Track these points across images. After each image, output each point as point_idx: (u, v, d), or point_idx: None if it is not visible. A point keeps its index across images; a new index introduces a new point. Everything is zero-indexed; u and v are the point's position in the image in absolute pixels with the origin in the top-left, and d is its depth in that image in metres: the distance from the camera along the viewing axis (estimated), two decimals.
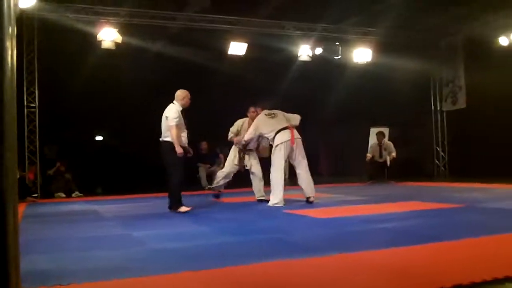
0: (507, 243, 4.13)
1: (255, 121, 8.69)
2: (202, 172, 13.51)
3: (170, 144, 7.32)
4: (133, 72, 13.47)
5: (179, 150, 7.28)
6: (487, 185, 10.57)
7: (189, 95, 7.64)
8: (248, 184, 9.18)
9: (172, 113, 7.37)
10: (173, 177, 7.39)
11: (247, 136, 8.62)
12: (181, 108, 7.52)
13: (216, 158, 13.83)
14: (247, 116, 9.17)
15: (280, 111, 8.73)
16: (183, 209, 7.35)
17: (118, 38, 11.53)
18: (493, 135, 12.54)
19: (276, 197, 8.06)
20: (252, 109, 9.12)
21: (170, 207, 7.54)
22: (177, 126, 7.33)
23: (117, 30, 11.54)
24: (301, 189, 8.32)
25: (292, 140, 8.19)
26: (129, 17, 11.77)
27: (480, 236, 4.37)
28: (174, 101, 7.58)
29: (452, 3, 11.86)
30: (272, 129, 8.38)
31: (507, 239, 4.28)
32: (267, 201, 8.32)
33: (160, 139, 7.52)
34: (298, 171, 8.35)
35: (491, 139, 12.64)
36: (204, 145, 13.87)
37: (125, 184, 13.00)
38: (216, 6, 11.78)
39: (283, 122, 8.41)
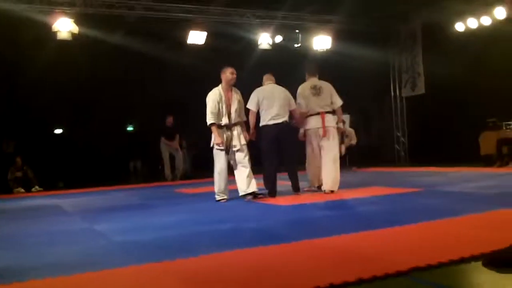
0: (462, 225, 4.22)
1: (299, 92, 7.64)
2: (165, 151, 13.31)
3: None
4: (91, 63, 13.23)
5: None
6: (445, 169, 10.80)
7: None
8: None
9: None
10: (294, 160, 7.41)
11: (305, 108, 7.50)
12: None
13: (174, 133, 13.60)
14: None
15: (328, 84, 7.68)
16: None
17: (74, 28, 11.28)
18: (451, 120, 12.84)
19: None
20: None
21: (295, 189, 7.38)
22: None
23: (73, 20, 11.28)
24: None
25: (323, 130, 7.31)
26: (84, 7, 11.50)
27: (437, 219, 4.45)
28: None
29: None
30: (307, 110, 7.47)
31: (462, 222, 4.37)
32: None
33: (282, 120, 7.21)
34: (323, 160, 7.34)
35: (449, 123, 12.95)
36: (170, 119, 13.46)
37: (86, 177, 12.82)
38: None
39: (323, 104, 7.43)
